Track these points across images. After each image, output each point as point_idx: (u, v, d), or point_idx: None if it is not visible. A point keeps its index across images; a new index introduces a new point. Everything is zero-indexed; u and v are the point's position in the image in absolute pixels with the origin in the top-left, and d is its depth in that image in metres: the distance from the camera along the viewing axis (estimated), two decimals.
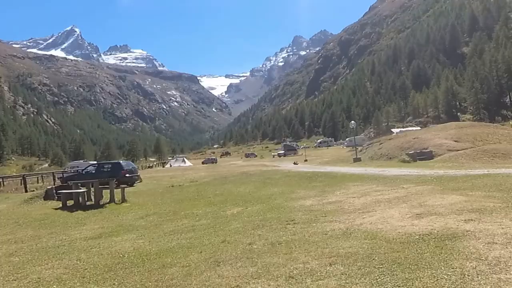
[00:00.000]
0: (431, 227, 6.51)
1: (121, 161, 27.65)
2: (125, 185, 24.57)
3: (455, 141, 26.19)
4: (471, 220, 6.74)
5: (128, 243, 8.20)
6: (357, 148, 35.24)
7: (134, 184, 25.40)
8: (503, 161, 19.58)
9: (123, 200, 15.68)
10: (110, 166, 26.30)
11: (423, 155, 24.44)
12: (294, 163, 42.58)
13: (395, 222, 7.27)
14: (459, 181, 12.39)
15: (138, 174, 27.40)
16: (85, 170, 26.76)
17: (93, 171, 25.67)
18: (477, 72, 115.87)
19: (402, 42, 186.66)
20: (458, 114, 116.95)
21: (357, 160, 30.06)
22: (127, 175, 24.94)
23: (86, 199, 15.91)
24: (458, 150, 23.91)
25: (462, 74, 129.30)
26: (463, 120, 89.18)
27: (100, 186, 16.21)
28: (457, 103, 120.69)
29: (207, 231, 8.64)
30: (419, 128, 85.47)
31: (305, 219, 8.75)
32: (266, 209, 11.00)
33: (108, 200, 15.67)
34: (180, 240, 8.05)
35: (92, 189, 16.44)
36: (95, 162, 32.26)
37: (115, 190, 16.21)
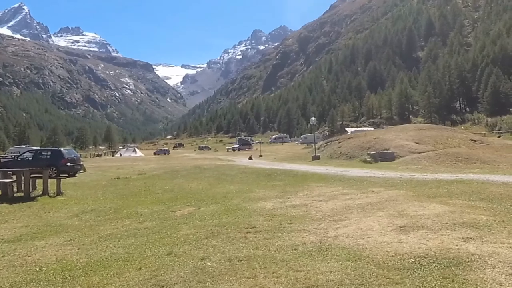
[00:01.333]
0: (425, 246, 5.37)
1: (61, 148, 25.24)
2: (66, 175, 22.63)
3: (416, 143, 25.79)
4: (471, 238, 5.66)
5: (51, 250, 6.64)
6: (314, 146, 34.39)
7: (76, 174, 23.37)
8: (466, 165, 19.14)
9: (59, 192, 13.86)
10: (49, 153, 23.97)
11: (385, 156, 23.81)
12: (249, 158, 41.41)
13: (378, 237, 6.10)
14: (431, 186, 11.51)
15: (81, 163, 25.16)
16: (21, 157, 24.33)
17: (30, 158, 23.31)
18: (430, 76, 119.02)
19: (360, 43, 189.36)
20: (410, 116, 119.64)
21: (316, 158, 29.16)
22: (68, 164, 22.82)
23: (16, 190, 13.98)
24: (420, 153, 23.44)
25: (416, 77, 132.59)
26: (414, 123, 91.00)
27: (33, 176, 14.27)
28: (410, 106, 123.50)
29: (150, 238, 7.20)
30: (372, 128, 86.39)
31: (268, 227, 7.48)
32: (221, 211, 9.66)
33: (41, 192, 13.79)
34: (117, 248, 6.58)
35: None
36: (38, 148, 29.52)
37: (50, 180, 14.32)
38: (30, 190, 13.86)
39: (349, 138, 32.17)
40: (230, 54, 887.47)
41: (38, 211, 10.99)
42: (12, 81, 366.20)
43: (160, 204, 11.37)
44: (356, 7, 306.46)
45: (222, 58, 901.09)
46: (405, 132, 29.89)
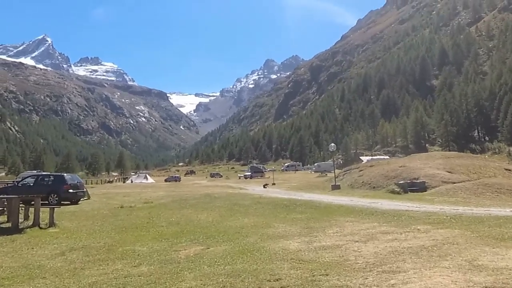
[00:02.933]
0: None
1: (64, 174, 23.54)
2: (68, 202, 21.04)
3: (448, 172, 23.73)
4: None
5: None
6: (334, 174, 32.45)
7: (79, 202, 21.70)
8: (511, 198, 17.14)
9: (51, 223, 12.16)
10: (51, 178, 22.27)
11: (415, 186, 21.80)
12: (264, 186, 39.61)
13: None
14: (489, 224, 9.65)
15: (84, 190, 23.43)
16: (22, 182, 22.68)
17: (31, 184, 21.68)
18: (446, 104, 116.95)
19: (372, 72, 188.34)
20: (427, 145, 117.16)
21: (336, 187, 27.15)
22: (70, 190, 21.16)
23: (6, 220, 12.37)
24: (454, 183, 21.40)
25: (431, 105, 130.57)
26: (431, 151, 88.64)
27: (22, 204, 12.64)
28: (426, 134, 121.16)
29: None
30: (387, 157, 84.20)
31: (297, 279, 5.72)
32: (235, 252, 7.91)
33: (31, 223, 12.14)
34: None
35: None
36: (40, 173, 27.75)
37: (43, 209, 12.68)
38: (20, 220, 12.25)
39: (370, 166, 30.13)
40: (242, 83, 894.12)
41: (20, 247, 9.32)
42: (32, 108, 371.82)
43: (163, 241, 9.61)
44: (368, 37, 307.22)
45: (235, 86, 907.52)
46: (431, 160, 27.84)
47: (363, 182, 26.17)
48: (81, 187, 22.66)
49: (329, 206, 16.03)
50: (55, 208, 12.77)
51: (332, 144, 33.79)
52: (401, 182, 22.43)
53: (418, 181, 22.50)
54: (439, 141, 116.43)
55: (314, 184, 35.97)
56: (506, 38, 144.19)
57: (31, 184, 21.63)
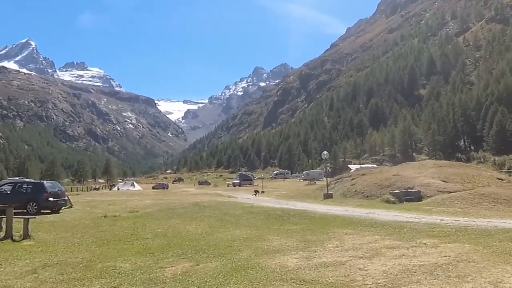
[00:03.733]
0: None
1: (44, 181, 22.31)
2: (49, 211, 20.05)
3: (443, 181, 23.15)
4: None
5: None
6: (326, 183, 31.81)
7: (60, 211, 20.67)
8: (508, 208, 16.62)
9: (26, 236, 11.23)
10: (30, 186, 21.06)
11: (410, 196, 21.15)
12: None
13: None
14: (499, 238, 9.02)
15: (66, 198, 22.32)
16: None
17: (8, 192, 20.51)
18: (434, 114, 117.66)
19: (361, 80, 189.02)
20: (414, 154, 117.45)
21: (328, 196, 26.44)
22: (50, 198, 20.05)
23: None
24: (450, 192, 20.79)
25: (419, 115, 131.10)
26: (418, 160, 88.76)
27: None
28: (413, 143, 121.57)
29: None
30: (375, 165, 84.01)
31: None
32: (227, 271, 7.15)
33: (3, 235, 11.23)
34: None
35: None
36: (17, 180, 26.13)
37: (18, 220, 11.76)
38: None
39: (363, 174, 29.49)
40: (231, 90, 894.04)
41: None
42: (16, 113, 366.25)
43: (148, 256, 8.80)
44: (357, 45, 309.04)
45: (223, 94, 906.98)
46: (424, 169, 27.30)
47: (355, 191, 25.53)
48: (62, 195, 21.51)
49: (324, 216, 15.30)
50: (31, 219, 11.82)
51: (325, 152, 33.14)
52: (396, 191, 21.82)
53: (413, 190, 21.91)
54: (425, 150, 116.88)
55: (305, 193, 35.27)
56: (493, 49, 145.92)
57: (8, 192, 20.48)
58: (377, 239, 9.69)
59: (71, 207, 22.95)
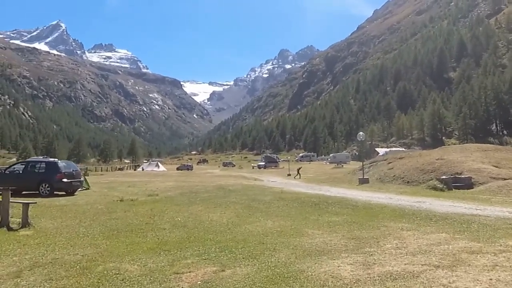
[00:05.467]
0: None
1: (58, 161, 20.48)
2: (63, 193, 18.71)
3: (495, 166, 20.92)
4: None
5: None
6: (362, 167, 29.78)
7: (75, 193, 19.30)
8: None
9: (25, 223, 9.70)
10: (43, 165, 19.33)
11: (459, 182, 18.92)
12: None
13: None
14: None
15: (81, 179, 20.81)
16: (9, 170, 19.91)
17: (20, 171, 19.14)
18: (465, 97, 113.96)
19: (388, 63, 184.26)
20: (443, 138, 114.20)
21: (364, 181, 24.37)
22: (64, 179, 18.56)
23: None
24: (505, 179, 18.51)
25: (448, 98, 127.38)
26: (448, 144, 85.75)
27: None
28: (443, 127, 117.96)
29: None
30: (403, 149, 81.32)
31: None
32: (262, 282, 5.46)
33: None
34: None
35: None
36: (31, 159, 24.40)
37: (16, 204, 10.27)
38: None
39: (400, 158, 27.23)
40: (257, 72, 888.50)
41: None
42: (45, 94, 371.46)
43: (162, 254, 7.14)
44: (384, 28, 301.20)
45: (249, 76, 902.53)
46: (468, 153, 24.93)
47: (394, 176, 23.38)
48: (78, 176, 19.97)
49: (368, 205, 13.35)
50: (32, 204, 10.25)
51: (361, 133, 30.92)
52: (443, 177, 19.60)
53: (462, 176, 19.68)
54: (455, 134, 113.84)
55: (335, 176, 33.26)
56: None
57: (20, 172, 19.12)
58: (446, 239, 7.78)
59: (88, 188, 21.61)
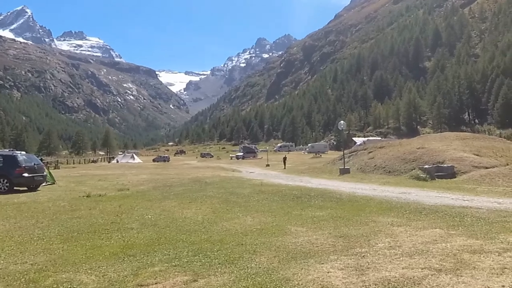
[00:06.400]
0: None
1: (18, 154, 18.73)
2: (24, 190, 17.44)
3: (476, 154, 20.55)
4: None
5: None
6: (343, 156, 29.21)
7: (39, 188, 18.06)
8: None
9: None
10: (0, 159, 17.73)
11: (442, 172, 18.50)
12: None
13: None
14: None
15: (44, 173, 19.42)
16: None
17: None
18: (439, 86, 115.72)
19: (365, 52, 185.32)
20: (418, 127, 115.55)
21: (345, 171, 23.74)
22: (25, 174, 17.29)
23: None
24: (487, 168, 18.19)
25: (424, 87, 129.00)
26: (423, 133, 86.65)
27: None
28: (418, 116, 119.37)
29: None
30: (379, 138, 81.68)
31: None
32: None
33: None
34: None
35: None
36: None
37: None
38: None
39: (380, 147, 26.76)
40: (234, 61, 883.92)
41: None
42: (12, 84, 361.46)
43: (126, 260, 6.21)
44: (361, 16, 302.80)
45: (226, 65, 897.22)
46: (447, 141, 24.63)
47: (375, 165, 22.85)
48: (40, 170, 18.66)
49: (353, 198, 12.60)
50: None
51: (342, 121, 30.37)
52: (426, 166, 19.12)
53: (444, 165, 19.26)
54: (430, 123, 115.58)
55: (315, 167, 32.66)
56: (499, 21, 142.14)
57: None
58: (442, 235, 7.05)
59: (54, 183, 20.38)
